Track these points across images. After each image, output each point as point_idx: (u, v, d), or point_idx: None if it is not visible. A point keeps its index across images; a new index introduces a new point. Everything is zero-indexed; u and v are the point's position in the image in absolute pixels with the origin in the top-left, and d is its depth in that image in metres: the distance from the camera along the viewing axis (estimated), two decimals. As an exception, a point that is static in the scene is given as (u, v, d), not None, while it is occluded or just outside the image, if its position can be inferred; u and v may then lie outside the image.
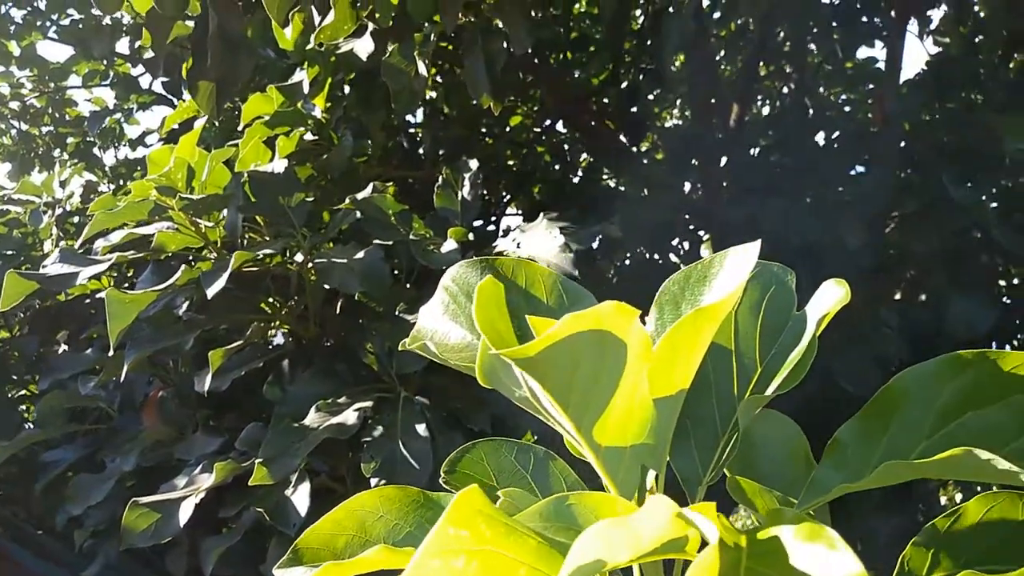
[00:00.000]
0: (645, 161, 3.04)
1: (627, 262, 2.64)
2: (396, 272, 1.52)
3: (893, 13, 2.25)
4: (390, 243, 1.34)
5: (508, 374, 0.46)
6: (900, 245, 1.58)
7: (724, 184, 2.03)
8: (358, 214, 1.37)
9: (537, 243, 1.27)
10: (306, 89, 1.56)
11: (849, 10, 2.27)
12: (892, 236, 1.68)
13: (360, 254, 1.26)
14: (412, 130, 2.58)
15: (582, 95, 2.73)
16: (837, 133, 2.25)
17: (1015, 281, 2.10)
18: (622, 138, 2.79)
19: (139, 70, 3.09)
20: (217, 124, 1.91)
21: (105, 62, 3.11)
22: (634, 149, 2.95)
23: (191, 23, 1.41)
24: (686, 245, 2.55)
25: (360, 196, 1.38)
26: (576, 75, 2.93)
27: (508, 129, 2.84)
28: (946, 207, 1.38)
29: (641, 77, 2.91)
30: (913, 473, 0.41)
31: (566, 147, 2.95)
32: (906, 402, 0.45)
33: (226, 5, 1.18)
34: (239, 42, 1.21)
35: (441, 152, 2.37)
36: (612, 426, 0.45)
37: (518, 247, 1.28)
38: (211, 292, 1.17)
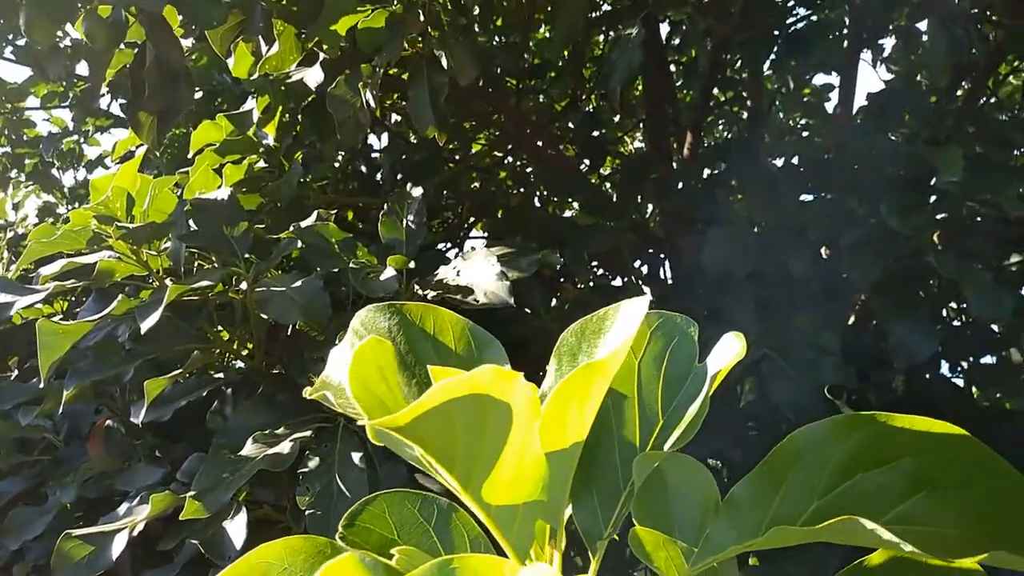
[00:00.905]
0: (608, 185, 3.05)
1: (591, 284, 2.64)
2: (344, 300, 1.51)
3: (846, 43, 2.29)
4: (335, 271, 1.32)
5: (397, 433, 0.45)
6: (848, 272, 1.60)
7: (678, 210, 2.04)
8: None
9: (475, 272, 1.27)
10: (255, 118, 1.55)
11: (802, 39, 2.30)
12: (842, 263, 1.70)
13: (299, 283, 1.24)
14: (374, 155, 2.57)
15: (543, 121, 2.74)
16: (795, 160, 2.28)
17: (965, 305, 2.11)
18: (583, 163, 2.80)
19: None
20: (167, 152, 1.89)
21: (64, 83, 3.07)
22: (595, 173, 2.96)
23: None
24: (645, 269, 2.55)
25: (304, 224, 1.37)
26: (540, 99, 2.94)
27: (471, 153, 2.83)
28: (887, 236, 1.40)
29: (602, 103, 2.93)
30: (801, 537, 0.41)
31: (528, 171, 2.95)
32: (799, 462, 0.44)
33: (163, 38, 1.16)
34: (178, 73, 1.19)
35: (399, 177, 2.35)
36: (502, 484, 0.44)
37: (458, 275, 1.28)
38: (145, 326, 1.14)
